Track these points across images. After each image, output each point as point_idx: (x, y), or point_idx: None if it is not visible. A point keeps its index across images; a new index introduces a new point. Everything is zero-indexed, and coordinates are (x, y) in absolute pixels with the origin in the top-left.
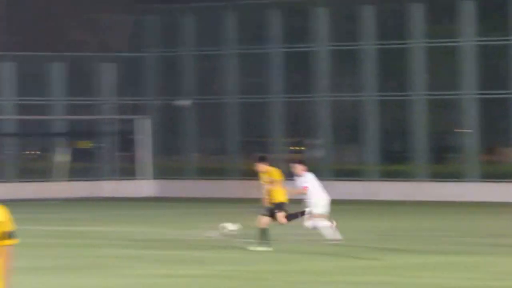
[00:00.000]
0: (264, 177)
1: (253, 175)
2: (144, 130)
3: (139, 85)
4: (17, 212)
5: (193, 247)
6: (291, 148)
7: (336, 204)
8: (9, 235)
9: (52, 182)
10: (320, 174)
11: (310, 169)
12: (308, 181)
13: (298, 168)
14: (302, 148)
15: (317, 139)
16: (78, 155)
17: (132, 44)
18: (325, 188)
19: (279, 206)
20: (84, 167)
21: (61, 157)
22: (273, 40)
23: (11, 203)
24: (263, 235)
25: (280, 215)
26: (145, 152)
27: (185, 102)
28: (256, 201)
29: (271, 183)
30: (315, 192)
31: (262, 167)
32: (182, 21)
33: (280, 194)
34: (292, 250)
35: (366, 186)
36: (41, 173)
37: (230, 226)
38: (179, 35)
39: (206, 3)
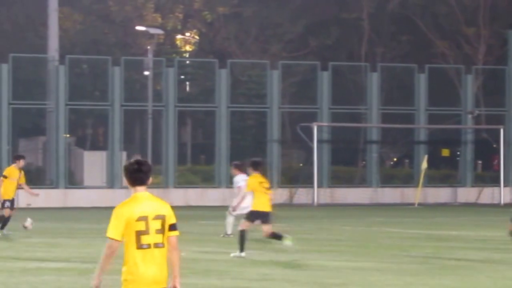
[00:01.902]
0: None
1: None
2: (505, 140)
3: (500, 96)
4: (379, 215)
5: None
6: None
7: None
8: (174, 227)
9: (412, 188)
10: None
11: None
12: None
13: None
14: None
15: None
16: (439, 162)
17: (494, 56)
18: None
19: None
20: (443, 174)
21: (424, 164)
22: None
23: (372, 207)
24: None
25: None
26: (507, 161)
27: None
28: None
29: None
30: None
31: None
32: None
33: None
34: None
35: None
36: (401, 179)
37: (27, 222)
38: None
39: None
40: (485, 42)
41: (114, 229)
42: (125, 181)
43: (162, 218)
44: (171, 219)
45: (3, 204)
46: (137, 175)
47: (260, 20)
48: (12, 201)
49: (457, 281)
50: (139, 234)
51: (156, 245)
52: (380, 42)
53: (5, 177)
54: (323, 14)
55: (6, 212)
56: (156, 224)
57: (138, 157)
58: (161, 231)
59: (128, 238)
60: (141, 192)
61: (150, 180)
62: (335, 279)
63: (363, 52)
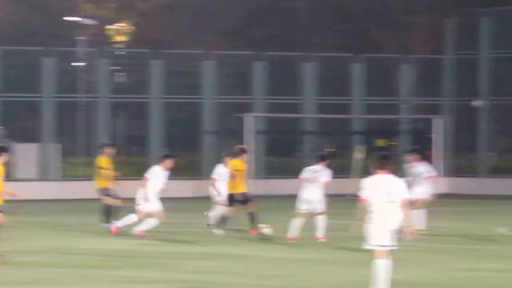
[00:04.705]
0: None
1: None
2: (439, 130)
3: (436, 86)
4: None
5: (487, 242)
6: None
7: None
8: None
9: (348, 179)
10: None
11: None
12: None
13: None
14: None
15: None
16: (375, 153)
17: (431, 46)
18: None
19: None
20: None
21: (359, 154)
22: None
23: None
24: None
25: None
26: (439, 150)
27: (480, 103)
28: None
29: None
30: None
31: None
32: (481, 24)
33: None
34: None
35: None
36: (338, 170)
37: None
38: (477, 37)
39: (505, 7)
40: (422, 32)
41: None
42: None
43: None
44: None
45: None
46: None
47: (195, 10)
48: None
49: (399, 272)
50: None
51: None
52: (316, 31)
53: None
54: (259, 4)
55: (107, 200)
56: None
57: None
58: None
59: None
60: None
61: None
62: (273, 270)
63: (299, 42)
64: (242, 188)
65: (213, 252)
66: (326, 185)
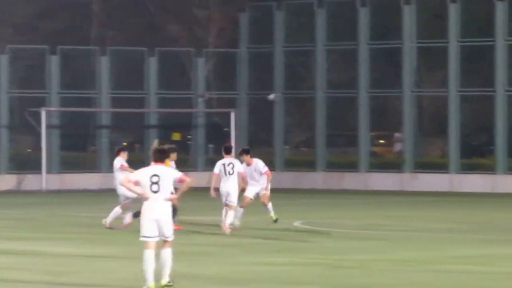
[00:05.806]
0: None
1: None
2: (236, 123)
3: (232, 80)
4: (109, 201)
5: (282, 236)
6: (377, 141)
7: (420, 196)
8: None
9: None
10: (404, 167)
11: (395, 162)
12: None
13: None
14: (385, 141)
15: (401, 132)
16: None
17: (226, 39)
18: (408, 180)
19: None
20: (179, 158)
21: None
22: (361, 37)
23: (103, 192)
24: None
25: None
26: (236, 144)
27: (274, 96)
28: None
29: None
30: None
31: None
32: (275, 17)
33: None
34: (389, 239)
35: (449, 179)
36: (134, 164)
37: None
38: (271, 31)
39: (297, 0)
40: (216, 25)
41: None
42: None
43: None
44: None
45: None
46: None
47: None
48: None
49: (187, 266)
50: None
51: None
52: (110, 25)
53: None
54: None
55: None
56: None
57: None
58: None
59: None
60: None
61: None
62: (68, 266)
63: (93, 36)
64: None
65: (6, 248)
66: (240, 177)
